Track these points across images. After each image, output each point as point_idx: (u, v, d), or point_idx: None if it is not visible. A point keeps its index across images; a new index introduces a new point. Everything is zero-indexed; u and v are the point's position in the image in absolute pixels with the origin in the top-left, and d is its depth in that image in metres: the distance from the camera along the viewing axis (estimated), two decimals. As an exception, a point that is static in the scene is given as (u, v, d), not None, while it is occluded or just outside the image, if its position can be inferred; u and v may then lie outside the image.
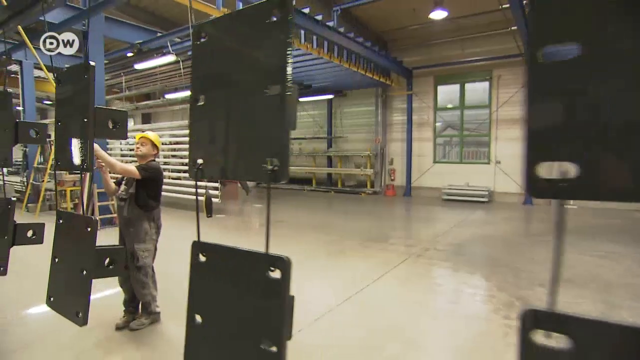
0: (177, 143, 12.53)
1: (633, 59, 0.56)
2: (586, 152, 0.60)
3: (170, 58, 10.68)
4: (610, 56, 0.59)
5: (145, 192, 3.57)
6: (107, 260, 1.61)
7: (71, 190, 9.16)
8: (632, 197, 0.59)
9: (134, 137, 4.04)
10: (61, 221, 1.71)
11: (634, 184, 0.57)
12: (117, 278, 3.69)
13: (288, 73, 0.91)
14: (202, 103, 1.12)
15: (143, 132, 4.26)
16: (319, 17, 9.09)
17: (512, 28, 10.01)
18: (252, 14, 1.03)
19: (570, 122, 0.61)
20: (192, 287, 1.12)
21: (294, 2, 1.01)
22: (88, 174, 3.57)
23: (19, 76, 10.77)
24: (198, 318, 1.10)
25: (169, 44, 10.70)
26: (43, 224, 2.28)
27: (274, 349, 0.91)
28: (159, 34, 10.45)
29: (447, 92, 14.24)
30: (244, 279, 1.02)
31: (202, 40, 1.12)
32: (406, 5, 11.68)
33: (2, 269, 2.17)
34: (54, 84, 1.82)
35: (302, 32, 9.46)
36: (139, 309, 3.78)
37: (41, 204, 9.95)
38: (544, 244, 7.01)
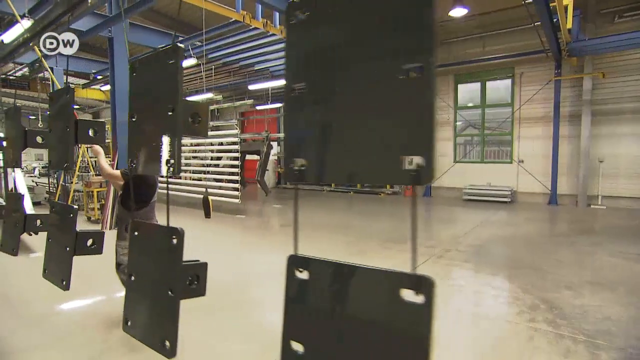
0: (197, 144, 12.77)
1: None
2: (312, 152, 0.96)
3: (191, 61, 10.91)
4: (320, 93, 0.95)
5: (130, 193, 3.59)
6: (89, 241, 1.81)
7: (98, 192, 9.47)
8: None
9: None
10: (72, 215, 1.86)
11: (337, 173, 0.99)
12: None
13: (179, 99, 0.93)
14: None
15: None
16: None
17: (536, 23, 9.75)
18: (161, 57, 1.19)
19: (305, 132, 0.99)
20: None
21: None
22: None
23: (50, 82, 11.21)
24: (298, 347, 0.93)
25: (190, 48, 10.94)
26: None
27: None
28: (180, 38, 10.69)
29: (468, 91, 13.98)
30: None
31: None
32: (425, 4, 11.53)
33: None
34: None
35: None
36: None
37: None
38: (571, 246, 6.81)
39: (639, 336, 3.53)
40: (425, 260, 5.96)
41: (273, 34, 9.05)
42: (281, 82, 13.07)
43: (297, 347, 0.93)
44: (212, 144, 12.32)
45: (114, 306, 4.07)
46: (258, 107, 17.07)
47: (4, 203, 2.70)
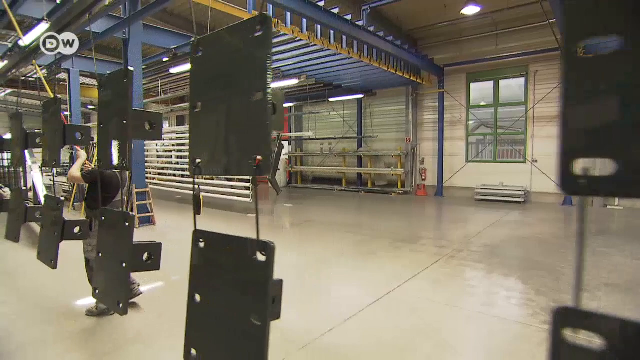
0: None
1: None
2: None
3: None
4: None
5: (91, 193, 4.04)
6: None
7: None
8: None
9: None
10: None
11: None
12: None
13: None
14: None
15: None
16: (348, 17, 9.08)
17: (551, 20, 9.57)
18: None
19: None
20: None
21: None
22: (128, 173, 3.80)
23: (67, 83, 11.45)
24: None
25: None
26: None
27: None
28: (192, 39, 10.80)
29: (480, 90, 13.83)
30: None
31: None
32: (437, 2, 11.44)
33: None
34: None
35: (332, 32, 9.49)
36: None
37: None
38: (586, 247, 6.68)
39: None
40: (437, 261, 5.92)
41: (284, 34, 9.07)
42: (293, 82, 13.12)
43: (197, 297, 1.23)
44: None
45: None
46: (269, 107, 17.13)
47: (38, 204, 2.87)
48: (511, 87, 13.20)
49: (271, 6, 8.26)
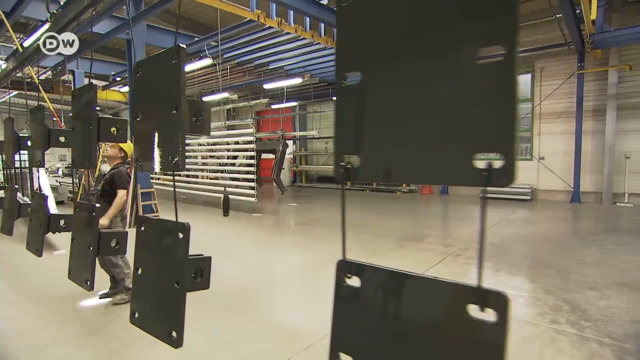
0: (214, 144, 12.93)
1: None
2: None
3: (207, 61, 11.02)
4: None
5: (109, 189, 4.28)
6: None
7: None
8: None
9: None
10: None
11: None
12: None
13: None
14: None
15: None
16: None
17: (557, 15, 9.46)
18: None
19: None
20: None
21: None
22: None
23: (72, 84, 11.53)
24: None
25: (205, 48, 11.06)
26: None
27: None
28: (195, 39, 10.81)
29: (486, 86, 13.70)
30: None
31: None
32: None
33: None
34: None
35: (322, 25, 9.43)
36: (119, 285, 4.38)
37: (91, 204, 10.60)
38: (595, 245, 6.59)
39: (668, 339, 3.38)
40: (443, 259, 5.87)
41: (287, 33, 9.05)
42: (295, 81, 13.08)
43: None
44: (228, 143, 12.44)
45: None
46: (273, 106, 17.14)
47: (29, 202, 2.91)
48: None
49: (274, 5, 8.23)
